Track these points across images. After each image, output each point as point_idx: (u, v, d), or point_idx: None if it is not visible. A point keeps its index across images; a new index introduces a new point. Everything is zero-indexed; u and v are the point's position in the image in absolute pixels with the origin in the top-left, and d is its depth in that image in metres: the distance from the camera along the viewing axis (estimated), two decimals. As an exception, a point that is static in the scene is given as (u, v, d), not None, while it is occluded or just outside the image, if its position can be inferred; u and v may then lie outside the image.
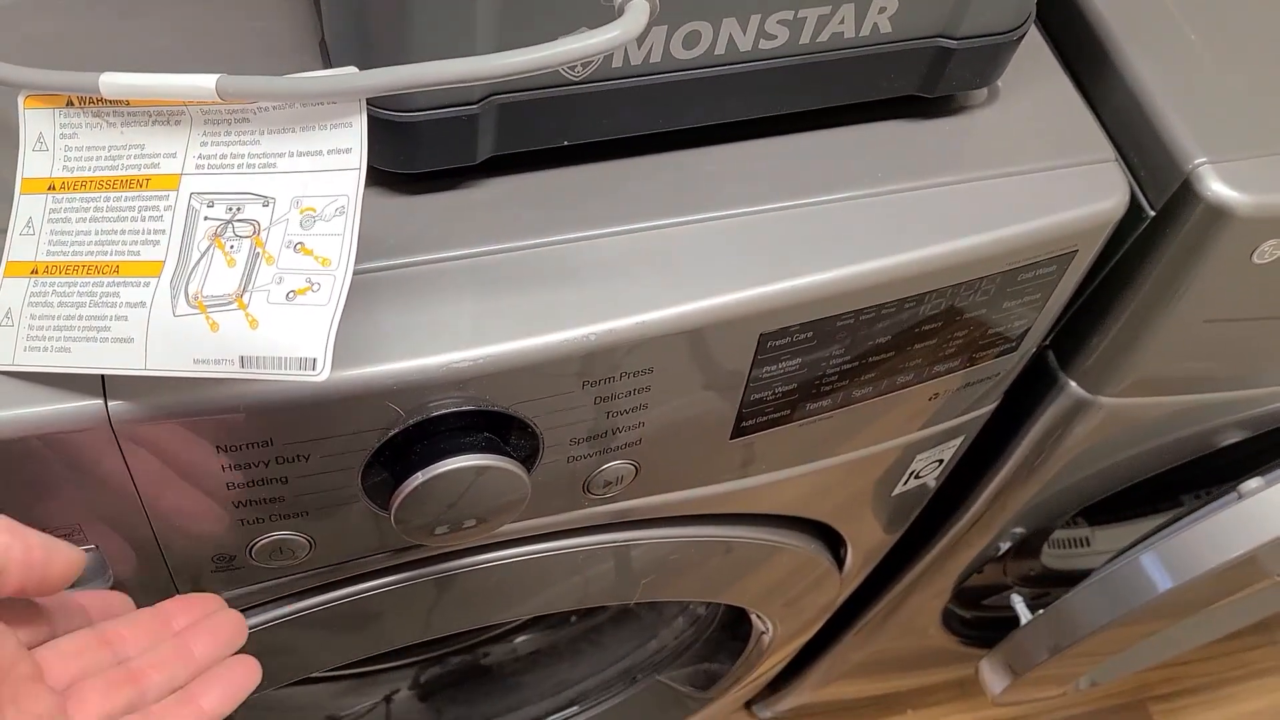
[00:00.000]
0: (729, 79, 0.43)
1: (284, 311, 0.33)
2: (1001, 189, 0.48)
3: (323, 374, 0.32)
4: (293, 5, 0.45)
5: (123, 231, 0.35)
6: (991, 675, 0.88)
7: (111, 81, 0.34)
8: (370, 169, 0.41)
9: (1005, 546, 0.84)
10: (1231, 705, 1.35)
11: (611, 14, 0.34)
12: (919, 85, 0.47)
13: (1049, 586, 0.96)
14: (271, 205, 0.34)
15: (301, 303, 0.33)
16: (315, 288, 0.33)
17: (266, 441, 0.39)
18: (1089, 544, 0.99)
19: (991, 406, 0.62)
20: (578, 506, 0.50)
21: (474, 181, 0.44)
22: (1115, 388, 0.61)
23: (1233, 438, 0.71)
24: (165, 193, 0.35)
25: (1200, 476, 0.79)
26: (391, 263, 0.41)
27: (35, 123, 0.36)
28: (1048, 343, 0.62)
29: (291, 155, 0.34)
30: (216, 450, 0.39)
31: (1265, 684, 1.37)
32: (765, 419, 0.50)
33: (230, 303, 0.33)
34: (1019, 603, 0.88)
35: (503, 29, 0.37)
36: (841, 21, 0.43)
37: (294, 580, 0.48)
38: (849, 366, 0.49)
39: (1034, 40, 0.54)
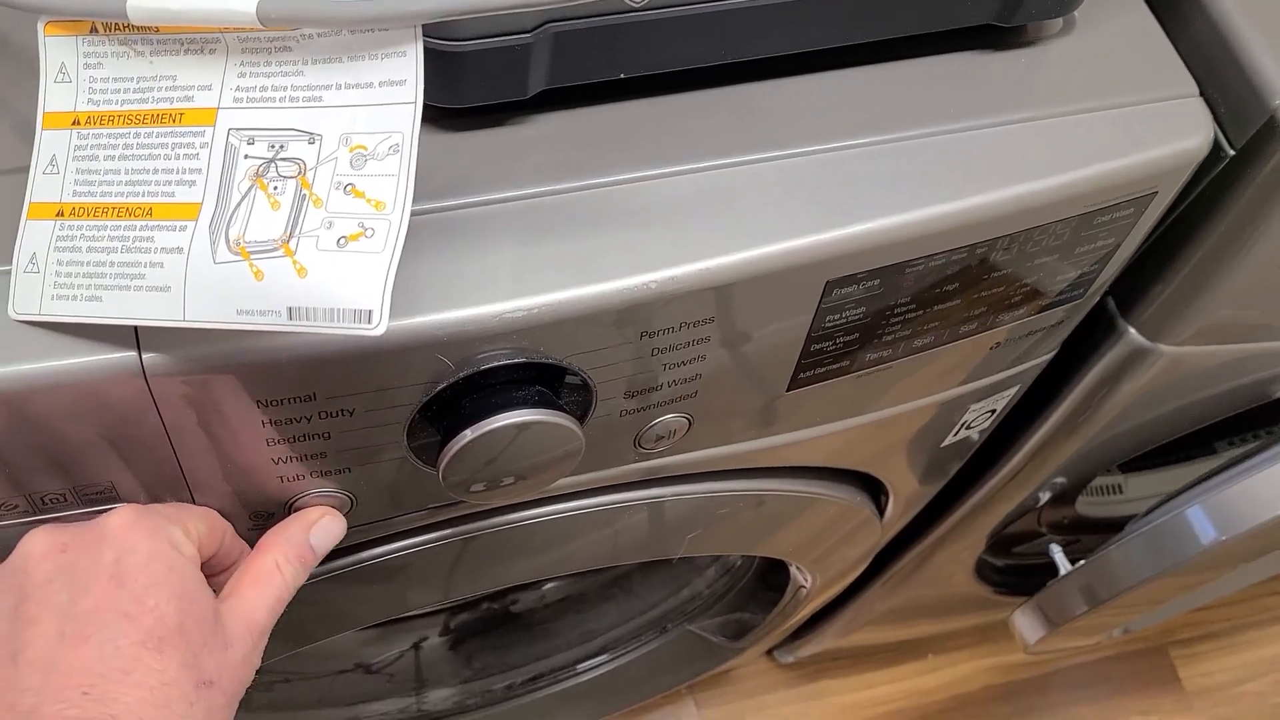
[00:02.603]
0: (796, 6, 0.40)
1: (335, 259, 0.30)
2: (1078, 126, 0.45)
3: (380, 327, 0.30)
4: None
5: (155, 170, 0.32)
6: (1026, 626, 0.87)
7: (139, 6, 0.31)
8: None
9: (1045, 497, 0.82)
10: (1251, 650, 1.34)
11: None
12: (996, 13, 0.44)
13: (1080, 533, 0.95)
14: (318, 143, 0.31)
15: (354, 250, 0.30)
16: (369, 233, 0.30)
17: (309, 396, 0.37)
18: (1121, 491, 0.97)
19: (1049, 355, 0.59)
20: (628, 461, 0.48)
21: (523, 117, 0.41)
22: (1177, 335, 0.59)
23: (1290, 387, 0.69)
24: (201, 128, 0.32)
25: (1235, 423, 0.77)
26: (437, 205, 0.38)
27: (57, 52, 0.34)
28: (1107, 289, 0.59)
29: (339, 88, 0.31)
30: (256, 405, 0.36)
31: (1286, 629, 1.36)
32: (824, 370, 0.48)
33: (276, 249, 0.31)
34: (1058, 553, 0.86)
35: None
36: (919, -57, 0.39)
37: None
38: (913, 314, 0.47)
39: (1110, -33, 0.51)
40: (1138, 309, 0.59)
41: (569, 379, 0.41)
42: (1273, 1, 0.49)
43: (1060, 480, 0.79)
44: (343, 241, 0.30)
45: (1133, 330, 0.59)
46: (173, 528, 0.37)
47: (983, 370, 0.56)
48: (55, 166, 0.34)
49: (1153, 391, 0.64)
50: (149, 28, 0.32)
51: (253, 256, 0.31)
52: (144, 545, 0.36)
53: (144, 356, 0.34)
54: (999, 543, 0.93)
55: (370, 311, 0.30)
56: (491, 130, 0.40)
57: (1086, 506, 0.93)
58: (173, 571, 0.36)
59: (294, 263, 0.30)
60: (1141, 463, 0.95)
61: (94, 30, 0.33)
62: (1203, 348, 0.60)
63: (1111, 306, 0.60)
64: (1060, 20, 0.47)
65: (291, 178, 0.31)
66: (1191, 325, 0.58)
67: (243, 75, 0.32)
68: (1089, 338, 0.61)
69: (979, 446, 0.71)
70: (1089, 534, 0.94)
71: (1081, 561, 0.81)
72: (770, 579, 0.80)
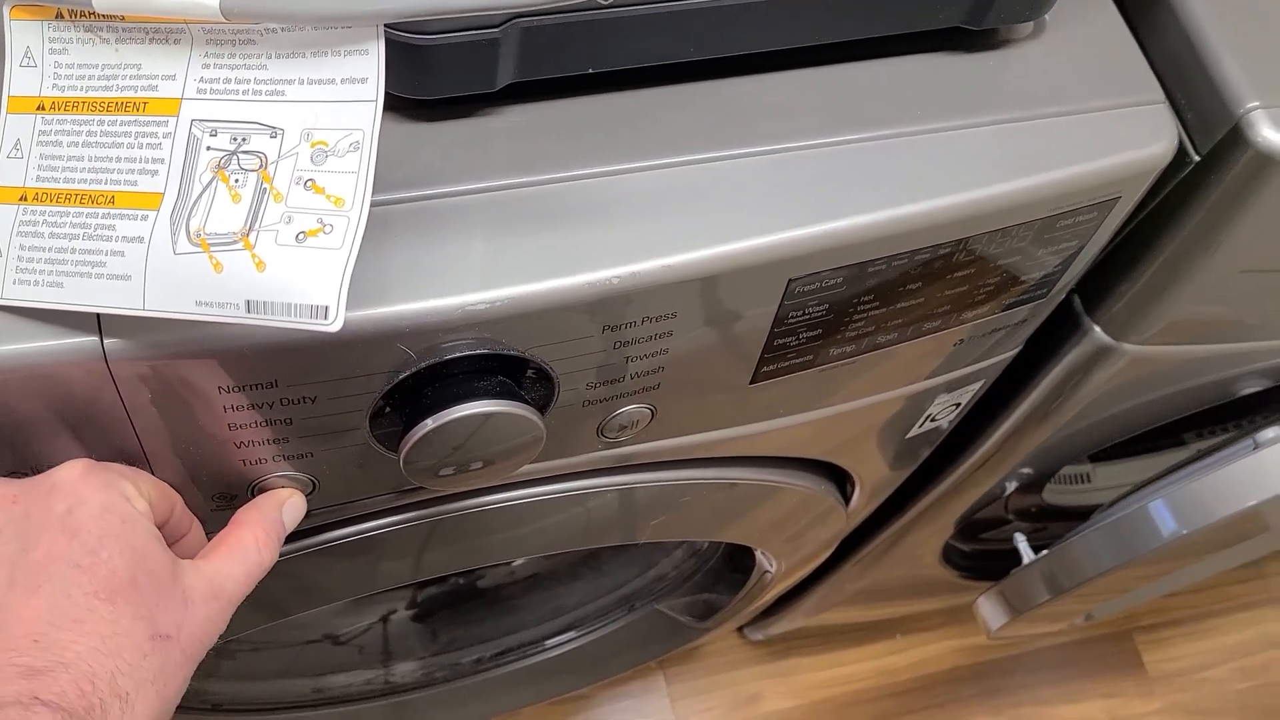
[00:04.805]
0: (765, 6, 0.40)
1: (294, 254, 0.30)
2: (1044, 130, 0.45)
3: (335, 323, 0.30)
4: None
5: (118, 159, 0.33)
6: (990, 612, 0.88)
7: (105, -6, 0.32)
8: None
9: (1012, 486, 0.83)
10: (1215, 637, 1.37)
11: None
12: (965, 15, 0.44)
13: (1047, 521, 0.96)
14: (280, 137, 0.31)
15: (313, 245, 0.30)
16: (328, 229, 0.30)
17: (271, 383, 0.37)
18: (1089, 480, 0.99)
19: (1014, 351, 0.60)
20: (591, 449, 0.49)
21: (492, 109, 0.41)
22: (1140, 335, 0.60)
23: (1254, 386, 0.70)
24: (164, 118, 0.33)
25: (1204, 416, 0.78)
26: (404, 195, 0.39)
27: (22, 35, 0.34)
28: (1074, 286, 0.60)
29: (302, 83, 0.31)
30: (219, 391, 0.37)
31: (1249, 617, 1.38)
32: (787, 364, 0.48)
33: (235, 242, 0.31)
34: (1021, 541, 0.87)
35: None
36: (889, -54, 0.40)
37: (298, 519, 0.47)
38: (876, 311, 0.47)
39: (1084, -31, 0.51)
40: (1103, 308, 0.59)
41: (531, 370, 0.41)
42: (1242, 12, 0.49)
43: (1026, 470, 0.81)
44: (301, 237, 0.31)
45: (1098, 329, 0.60)
46: (125, 483, 0.37)
47: (947, 365, 0.57)
48: (19, 151, 0.34)
49: (1117, 388, 0.65)
50: (115, 15, 0.33)
51: (212, 248, 0.31)
52: (96, 498, 0.35)
53: (106, 342, 0.34)
54: (967, 528, 0.94)
55: (327, 308, 0.30)
56: (461, 121, 0.41)
57: (1054, 495, 0.94)
58: (126, 524, 0.36)
59: (253, 256, 0.31)
60: (1110, 453, 0.96)
61: (60, 16, 0.33)
62: (1166, 347, 0.61)
63: (1077, 305, 0.61)
64: (1030, 24, 0.47)
65: (253, 171, 0.31)
66: (1155, 325, 0.58)
67: (206, 66, 0.32)
68: (1055, 334, 0.62)
69: (950, 436, 0.72)
70: (1056, 521, 0.95)
71: (1045, 550, 0.83)
72: (737, 561, 0.81)
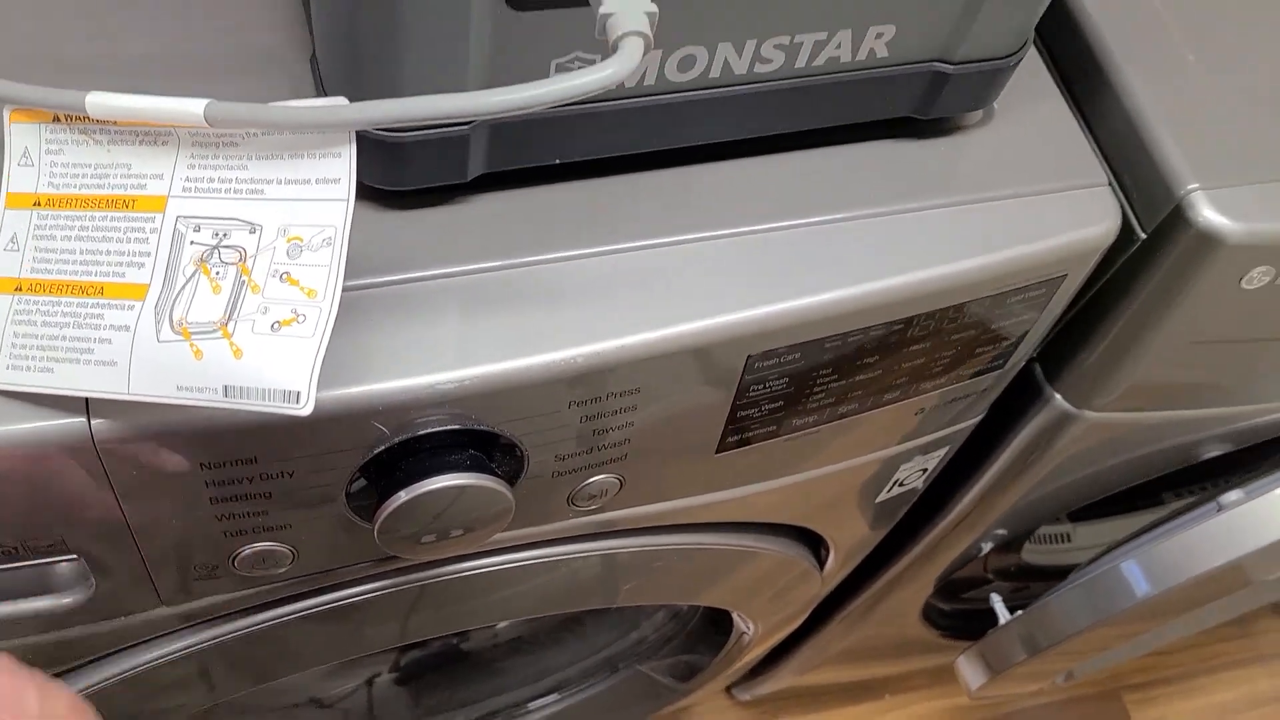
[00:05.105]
0: (724, 101, 0.43)
1: (269, 342, 0.33)
2: (993, 212, 0.48)
3: (306, 408, 0.32)
4: (287, 14, 0.45)
5: (108, 252, 0.35)
6: (969, 671, 0.89)
7: (98, 102, 0.34)
8: (360, 184, 0.41)
9: (988, 547, 0.84)
10: (1204, 696, 1.37)
11: (604, 45, 0.34)
12: (914, 107, 0.47)
13: (1028, 580, 0.97)
14: (258, 232, 0.34)
15: (286, 334, 0.32)
16: (301, 319, 0.33)
17: (251, 459, 0.39)
18: (1070, 540, 1.00)
19: (977, 419, 0.62)
20: (563, 517, 0.51)
21: (465, 198, 0.43)
22: (1100, 402, 0.61)
23: (1216, 450, 0.72)
24: (151, 214, 0.35)
25: (1181, 475, 0.80)
26: (380, 280, 0.41)
27: (21, 137, 0.36)
28: (1035, 355, 0.62)
29: (280, 182, 0.34)
30: (200, 467, 0.39)
31: (1237, 675, 1.39)
32: (751, 434, 0.50)
33: (215, 330, 0.33)
34: (997, 602, 0.89)
35: (495, 58, 0.37)
36: (838, 46, 0.42)
37: (278, 586, 0.49)
38: (836, 384, 0.50)
39: (1033, 59, 0.54)
40: (1064, 376, 0.61)
41: (501, 443, 0.43)
42: (1182, 97, 0.52)
43: (1001, 531, 0.82)
44: (276, 326, 0.33)
45: (1059, 396, 0.62)
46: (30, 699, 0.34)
47: (911, 433, 0.59)
48: (16, 244, 0.36)
49: (1081, 454, 0.67)
50: (108, 120, 0.35)
51: (193, 336, 0.33)
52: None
53: (93, 423, 0.36)
54: (947, 588, 0.95)
55: (299, 393, 0.32)
56: (435, 209, 0.43)
57: (1034, 554, 0.96)
58: None
59: (231, 344, 0.33)
60: (1090, 512, 0.97)
61: (57, 119, 0.36)
62: (1126, 414, 0.63)
63: (1039, 373, 0.63)
64: (979, 111, 0.50)
65: (233, 264, 0.34)
66: (1113, 393, 0.60)
67: (192, 166, 0.35)
68: (1018, 402, 0.64)
69: (922, 499, 0.74)
70: (1037, 581, 0.97)
71: (1020, 611, 0.84)
72: (718, 623, 0.82)
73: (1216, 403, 0.65)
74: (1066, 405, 0.62)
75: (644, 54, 0.33)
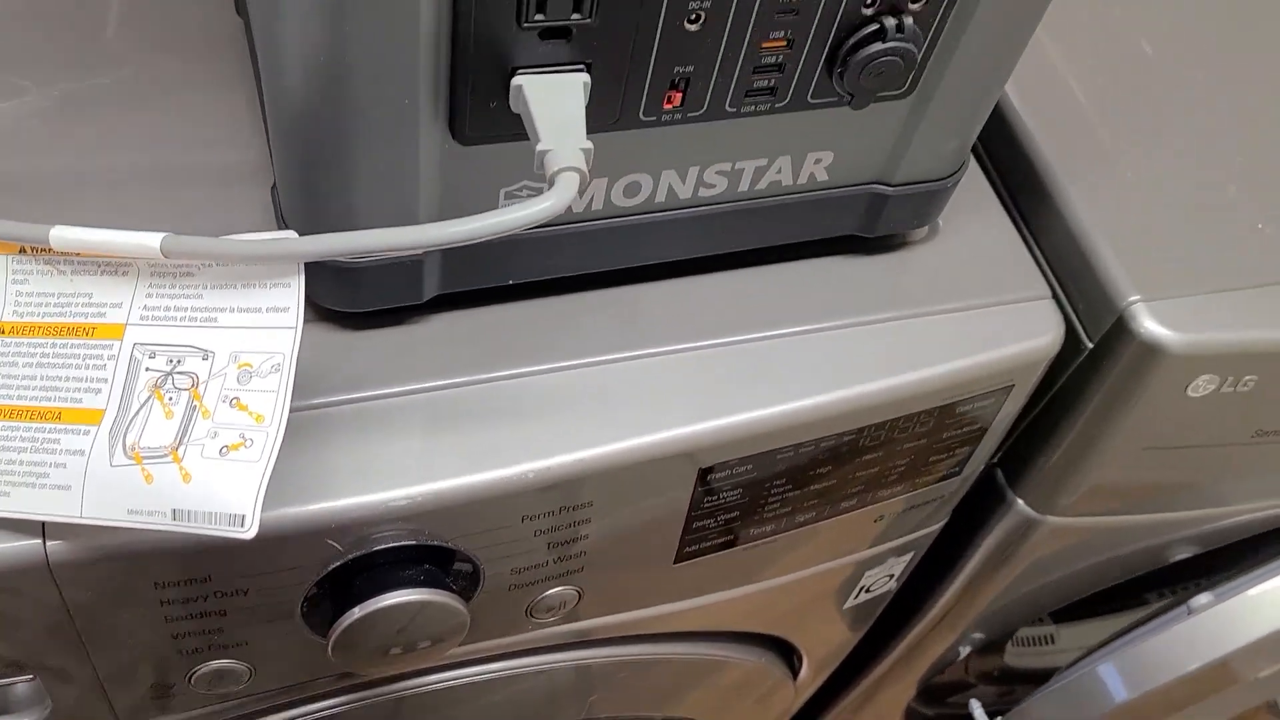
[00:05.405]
0: (670, 224, 0.44)
1: (217, 466, 0.34)
2: (939, 326, 0.49)
3: (250, 531, 0.33)
4: (258, 129, 0.47)
5: (67, 378, 0.36)
6: (951, 779, 0.88)
7: (61, 236, 0.36)
8: (319, 306, 0.43)
9: (966, 651, 0.84)
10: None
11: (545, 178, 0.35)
12: (857, 226, 0.49)
13: (1012, 684, 0.96)
14: (210, 359, 0.35)
15: (234, 458, 0.34)
16: (248, 444, 0.34)
17: (205, 578, 0.40)
18: (1053, 641, 0.99)
19: (940, 525, 0.63)
20: (521, 630, 0.51)
21: (421, 317, 0.45)
22: (1062, 507, 0.62)
23: (1185, 553, 0.72)
24: (110, 342, 0.36)
25: (1163, 573, 0.80)
26: (336, 399, 0.42)
27: (-12, 268, 0.38)
28: (996, 460, 0.63)
29: (232, 311, 0.35)
30: (154, 586, 0.39)
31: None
32: (708, 545, 0.51)
33: (165, 455, 0.34)
34: (976, 708, 0.88)
35: (445, 188, 0.38)
36: (779, 171, 0.44)
37: (236, 705, 0.49)
38: (791, 494, 0.50)
39: (977, 175, 0.56)
40: (1025, 482, 0.62)
41: (456, 558, 0.44)
42: (1124, 210, 0.54)
43: (978, 635, 0.82)
44: (224, 450, 0.34)
45: (1021, 502, 0.63)
46: None
47: (873, 540, 0.59)
48: (-21, 371, 0.37)
49: (1049, 558, 0.67)
50: (70, 252, 0.37)
51: (145, 461, 0.34)
52: None
53: (49, 545, 0.37)
54: (930, 691, 0.94)
55: (243, 516, 0.33)
56: (391, 329, 0.44)
57: (1017, 657, 0.95)
58: None
59: (180, 469, 0.34)
60: (1072, 612, 0.97)
61: (23, 251, 0.37)
62: (1089, 519, 0.64)
63: (1001, 478, 0.64)
64: (925, 227, 0.52)
65: (185, 389, 0.35)
66: (1072, 498, 0.61)
67: (150, 295, 0.36)
68: (982, 506, 0.65)
69: (894, 604, 0.74)
70: (1021, 684, 0.96)
71: (999, 718, 0.83)
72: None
73: (1179, 506, 0.66)
74: (1029, 511, 0.63)
75: (580, 188, 0.34)
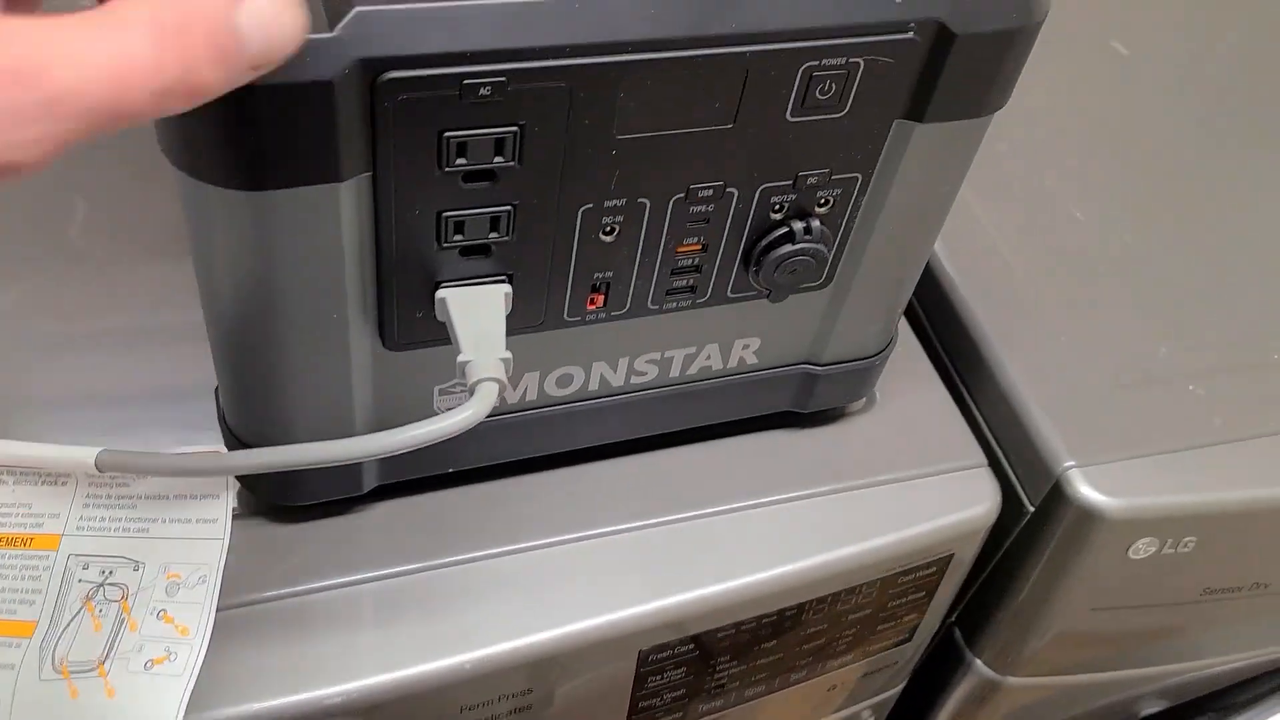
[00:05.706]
0: (604, 410, 0.46)
1: (140, 680, 0.34)
2: (876, 498, 0.50)
3: (171, 746, 0.33)
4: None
5: (3, 589, 0.37)
6: None
7: (2, 451, 0.37)
8: (260, 501, 0.44)
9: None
10: None
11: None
12: (791, 403, 0.50)
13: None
14: (141, 570, 0.36)
15: (157, 672, 0.34)
16: (172, 657, 0.34)
17: (138, 782, 0.40)
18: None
19: (899, 688, 0.63)
20: (468, 816, 0.50)
21: (362, 506, 0.46)
22: (1020, 667, 0.62)
23: (1154, 707, 0.71)
24: (46, 552, 0.37)
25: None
26: (271, 594, 0.42)
27: (-68, 480, 0.39)
28: (954, 619, 0.63)
29: (163, 521, 0.36)
30: (88, 791, 0.39)
31: None
32: (657, 723, 0.51)
33: (92, 669, 0.35)
34: None
35: (379, 390, 0.40)
36: (708, 358, 0.46)
37: None
38: (737, 669, 0.51)
39: (913, 343, 0.58)
40: (983, 641, 0.62)
41: (394, 751, 0.44)
42: (1058, 378, 0.55)
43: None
44: (149, 664, 0.34)
45: (979, 662, 0.63)
46: None
47: (831, 707, 0.59)
48: (-81, 582, 0.38)
49: (1013, 716, 0.67)
50: (10, 465, 0.38)
51: (72, 675, 0.35)
52: None
53: (-21, 756, 0.37)
54: None
55: (164, 731, 0.34)
56: (333, 519, 0.45)
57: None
58: None
59: (105, 683, 0.34)
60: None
61: (-34, 462, 0.39)
62: (1048, 679, 0.64)
63: (959, 638, 0.64)
64: (861, 399, 0.53)
65: (115, 601, 0.36)
66: (1029, 658, 0.61)
67: (87, 505, 0.37)
68: (943, 666, 0.65)
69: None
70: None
71: None
72: None
73: (1141, 663, 0.65)
74: (989, 671, 0.63)
75: (499, 395, 0.36)
